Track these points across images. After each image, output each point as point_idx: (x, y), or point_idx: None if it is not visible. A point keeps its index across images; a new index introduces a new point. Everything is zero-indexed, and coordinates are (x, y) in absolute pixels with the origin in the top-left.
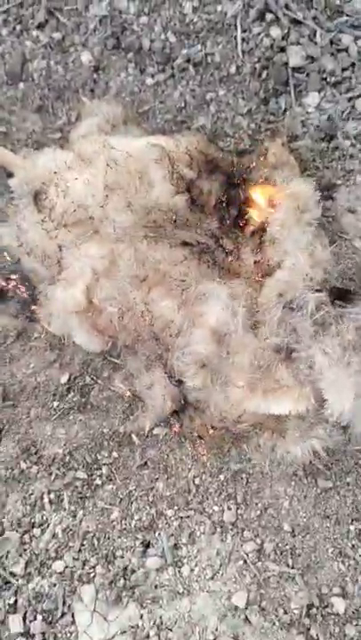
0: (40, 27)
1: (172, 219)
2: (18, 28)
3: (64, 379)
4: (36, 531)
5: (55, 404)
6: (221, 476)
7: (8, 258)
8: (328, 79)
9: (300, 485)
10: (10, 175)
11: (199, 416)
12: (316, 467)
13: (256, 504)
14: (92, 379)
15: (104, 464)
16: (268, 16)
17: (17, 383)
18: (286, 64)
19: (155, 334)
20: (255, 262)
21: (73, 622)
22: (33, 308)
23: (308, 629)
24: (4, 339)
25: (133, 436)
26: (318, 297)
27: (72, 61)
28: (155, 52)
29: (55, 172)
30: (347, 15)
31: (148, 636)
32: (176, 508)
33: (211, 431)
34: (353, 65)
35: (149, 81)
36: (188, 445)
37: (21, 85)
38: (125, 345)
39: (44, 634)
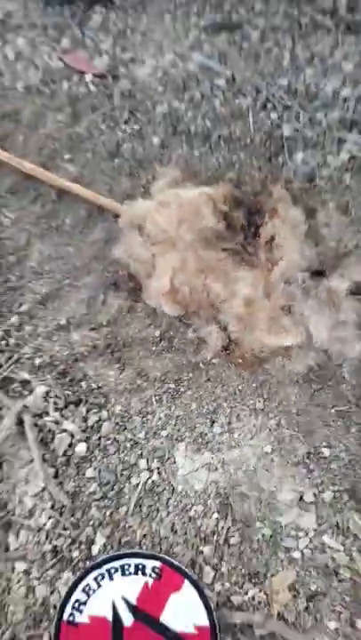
0: (126, 122)
1: (216, 236)
2: (112, 124)
3: (157, 333)
4: (150, 416)
5: (153, 348)
6: (254, 384)
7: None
8: (308, 143)
9: (302, 388)
10: (117, 217)
11: (238, 349)
12: (310, 376)
13: (275, 399)
14: (174, 332)
15: (184, 380)
16: (269, 105)
17: (130, 337)
18: (282, 135)
19: (211, 303)
20: (267, 259)
21: (175, 462)
22: (137, 293)
23: (309, 465)
24: (121, 312)
25: (200, 364)
26: (303, 275)
27: (148, 143)
28: (198, 134)
29: (147, 214)
30: (320, 99)
31: (216, 469)
32: (228, 401)
33: (246, 357)
34: (324, 132)
35: (196, 153)
36: (233, 367)
37: (116, 160)
38: (193, 311)
39: (160, 458)
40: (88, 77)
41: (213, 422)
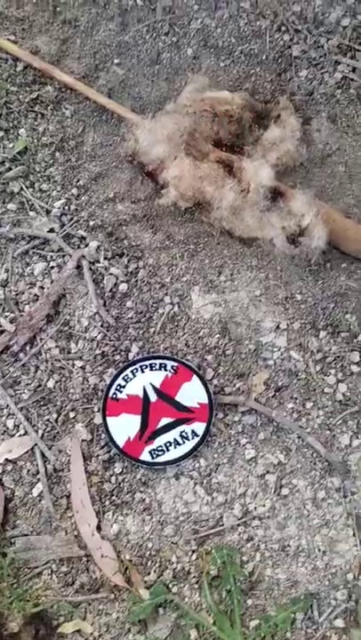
0: (166, 34)
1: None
2: (154, 35)
3: (183, 208)
4: (174, 267)
5: (178, 218)
6: (251, 248)
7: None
8: (311, 63)
9: (285, 255)
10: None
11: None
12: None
13: (266, 259)
14: (195, 208)
15: (201, 243)
16: (283, 28)
17: (162, 209)
18: (291, 54)
19: (208, 202)
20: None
21: (190, 299)
22: None
23: (286, 305)
24: (155, 191)
25: (213, 233)
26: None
27: (183, 54)
28: (224, 48)
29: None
30: (324, 26)
31: (220, 305)
32: (232, 259)
33: (243, 237)
34: (325, 55)
35: (221, 64)
36: (236, 239)
37: (157, 67)
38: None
39: (180, 296)
40: None
41: (220, 273)
